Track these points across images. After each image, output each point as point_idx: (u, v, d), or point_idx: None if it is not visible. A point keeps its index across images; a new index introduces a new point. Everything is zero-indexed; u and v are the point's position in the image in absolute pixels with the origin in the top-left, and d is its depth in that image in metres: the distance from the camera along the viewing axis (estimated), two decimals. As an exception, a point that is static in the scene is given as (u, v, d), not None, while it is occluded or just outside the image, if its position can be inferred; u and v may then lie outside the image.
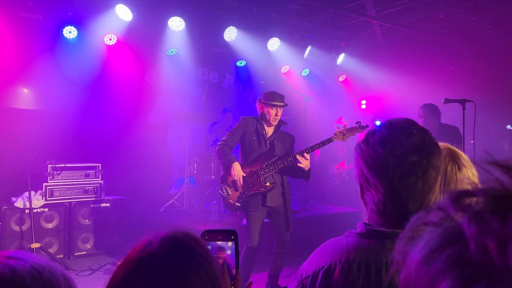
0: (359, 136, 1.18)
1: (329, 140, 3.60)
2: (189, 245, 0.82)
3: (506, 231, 0.34)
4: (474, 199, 0.38)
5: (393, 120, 1.11)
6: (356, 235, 1.09)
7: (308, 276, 1.11)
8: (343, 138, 3.63)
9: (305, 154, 3.54)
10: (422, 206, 1.05)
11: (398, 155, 1.03)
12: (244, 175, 3.73)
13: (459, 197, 0.39)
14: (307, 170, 3.61)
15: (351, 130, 3.63)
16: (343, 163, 7.23)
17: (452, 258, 0.36)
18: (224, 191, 3.85)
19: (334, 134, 3.65)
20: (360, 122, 3.65)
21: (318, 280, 1.07)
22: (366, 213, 1.14)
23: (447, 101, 3.54)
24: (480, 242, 0.35)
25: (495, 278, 0.33)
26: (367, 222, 1.11)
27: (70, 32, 5.66)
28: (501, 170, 0.39)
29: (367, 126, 3.64)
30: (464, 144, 3.56)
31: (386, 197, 1.05)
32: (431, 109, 4.37)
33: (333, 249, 1.10)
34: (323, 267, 1.08)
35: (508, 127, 5.14)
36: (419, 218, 0.42)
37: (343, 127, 3.66)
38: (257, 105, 3.85)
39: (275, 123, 3.81)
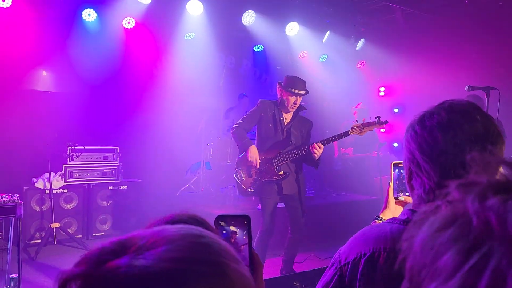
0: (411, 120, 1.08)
1: (346, 134, 3.56)
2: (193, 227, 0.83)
3: (506, 208, 0.37)
4: (478, 185, 0.41)
5: (454, 102, 1.01)
6: (401, 222, 1.03)
7: (348, 263, 1.06)
8: (360, 132, 3.56)
9: (319, 144, 3.52)
10: None
11: (459, 143, 0.94)
12: (259, 161, 3.73)
13: (463, 184, 0.42)
14: (317, 159, 3.60)
15: (369, 125, 3.54)
16: (350, 150, 7.11)
17: (455, 233, 0.39)
18: (238, 176, 3.87)
19: (352, 128, 3.59)
20: (379, 117, 3.54)
21: (360, 268, 1.02)
22: (412, 199, 1.08)
23: (471, 88, 3.44)
24: (482, 215, 0.38)
25: (494, 246, 0.36)
26: (413, 209, 1.05)
27: (89, 15, 5.68)
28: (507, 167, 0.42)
29: (386, 121, 3.55)
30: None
31: (439, 187, 0.97)
32: (475, 100, 4.25)
33: (376, 236, 1.04)
34: (365, 254, 1.03)
35: (532, 116, 4.99)
36: (427, 209, 0.45)
37: (356, 120, 3.60)
38: (277, 88, 3.80)
39: (293, 110, 3.77)
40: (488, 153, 0.93)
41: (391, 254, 0.99)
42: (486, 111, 3.30)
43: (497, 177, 0.42)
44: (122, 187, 5.56)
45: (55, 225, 4.85)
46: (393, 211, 1.53)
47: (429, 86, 6.68)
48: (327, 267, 1.15)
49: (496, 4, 6.22)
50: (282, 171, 3.73)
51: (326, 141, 3.57)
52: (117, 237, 0.48)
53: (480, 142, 0.94)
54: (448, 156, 0.95)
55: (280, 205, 3.91)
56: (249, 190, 3.81)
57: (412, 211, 1.03)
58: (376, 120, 3.54)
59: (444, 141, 0.95)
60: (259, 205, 4.34)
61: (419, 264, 0.41)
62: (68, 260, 4.52)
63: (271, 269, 4.15)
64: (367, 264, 1.02)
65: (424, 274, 0.40)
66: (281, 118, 3.78)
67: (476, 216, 0.38)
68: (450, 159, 0.94)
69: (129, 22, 5.96)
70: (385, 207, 1.53)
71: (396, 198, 1.50)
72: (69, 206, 5.21)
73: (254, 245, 3.99)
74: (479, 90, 3.47)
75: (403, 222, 1.03)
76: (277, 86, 3.79)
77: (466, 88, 3.48)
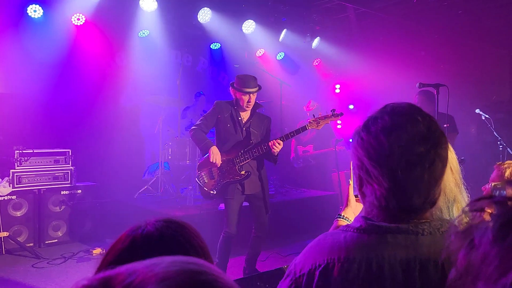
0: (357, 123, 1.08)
1: (303, 129, 3.61)
2: (182, 223, 0.87)
3: None
4: None
5: (395, 105, 1.02)
6: (355, 230, 1.01)
7: (303, 274, 1.02)
8: (318, 126, 3.65)
9: (279, 140, 3.55)
10: (427, 200, 0.97)
11: (404, 145, 0.94)
12: (220, 162, 3.69)
13: None
14: (276, 155, 3.64)
15: (326, 118, 3.63)
16: (310, 147, 7.21)
17: None
18: (201, 179, 3.82)
19: (309, 122, 3.66)
20: (334, 109, 3.63)
21: (315, 280, 0.99)
22: (363, 206, 1.07)
23: (422, 85, 3.59)
24: None
25: None
26: (365, 216, 1.04)
27: (35, 10, 5.38)
28: None
29: (341, 114, 3.65)
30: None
31: (389, 192, 0.96)
32: (428, 96, 4.36)
33: (330, 246, 1.02)
34: (320, 265, 1.00)
35: (477, 111, 5.30)
36: (471, 205, 0.44)
37: (313, 115, 3.67)
38: (230, 89, 3.80)
39: (249, 109, 3.78)
40: (432, 153, 0.94)
41: (345, 264, 0.97)
42: (436, 106, 3.42)
43: None
44: (75, 191, 5.33)
45: (3, 234, 4.58)
46: (354, 208, 1.55)
47: (382, 82, 6.91)
48: (283, 274, 1.11)
49: (441, 4, 6.53)
50: (244, 171, 3.72)
51: (285, 137, 3.61)
52: (102, 272, 0.41)
53: (424, 142, 0.95)
54: (394, 158, 0.95)
55: (244, 203, 3.90)
56: (212, 192, 3.77)
57: (365, 219, 1.02)
58: (331, 113, 3.62)
59: (389, 144, 0.95)
60: (221, 204, 4.30)
61: (481, 263, 0.39)
62: (18, 270, 4.28)
63: (234, 269, 4.13)
64: (322, 275, 0.99)
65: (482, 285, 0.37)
66: (239, 118, 3.78)
67: None
68: (397, 161, 0.95)
69: (78, 19, 5.70)
70: (346, 205, 1.55)
71: (356, 196, 1.53)
72: (19, 214, 4.93)
73: (217, 246, 3.93)
74: (429, 87, 3.62)
75: (356, 230, 1.01)
76: (230, 87, 3.80)
77: (417, 85, 3.62)
